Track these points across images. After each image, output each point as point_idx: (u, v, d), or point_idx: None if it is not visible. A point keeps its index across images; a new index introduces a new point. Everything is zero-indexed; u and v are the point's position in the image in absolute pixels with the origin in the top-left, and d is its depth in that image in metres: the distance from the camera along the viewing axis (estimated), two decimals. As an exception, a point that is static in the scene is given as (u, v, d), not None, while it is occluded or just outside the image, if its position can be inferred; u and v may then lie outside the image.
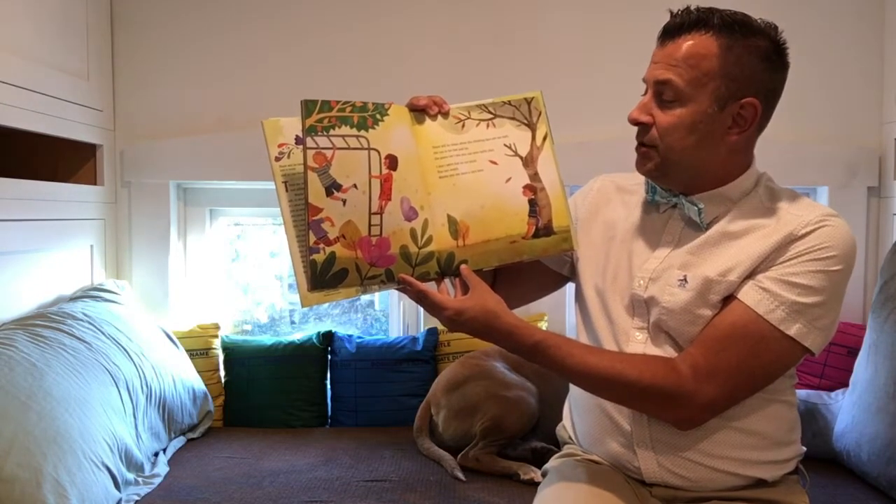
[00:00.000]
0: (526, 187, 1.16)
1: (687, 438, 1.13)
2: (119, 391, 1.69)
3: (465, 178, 1.14)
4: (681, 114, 1.10)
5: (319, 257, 1.04)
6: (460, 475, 1.70)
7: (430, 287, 1.11)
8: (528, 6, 2.21)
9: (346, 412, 2.11)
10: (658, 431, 1.15)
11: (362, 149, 1.07)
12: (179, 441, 1.92)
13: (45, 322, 1.68)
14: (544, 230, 1.16)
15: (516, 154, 1.17)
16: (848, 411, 1.74)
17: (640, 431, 1.16)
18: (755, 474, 1.14)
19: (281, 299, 2.56)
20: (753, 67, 1.09)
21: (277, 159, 1.08)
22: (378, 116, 1.10)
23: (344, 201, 1.05)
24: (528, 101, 1.18)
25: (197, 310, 2.35)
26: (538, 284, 1.34)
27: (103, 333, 1.78)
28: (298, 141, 1.10)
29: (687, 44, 1.09)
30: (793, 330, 1.06)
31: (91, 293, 1.98)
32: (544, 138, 1.18)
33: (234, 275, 2.51)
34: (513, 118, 1.18)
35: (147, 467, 1.69)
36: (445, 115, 1.15)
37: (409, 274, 1.09)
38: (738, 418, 1.12)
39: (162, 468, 1.72)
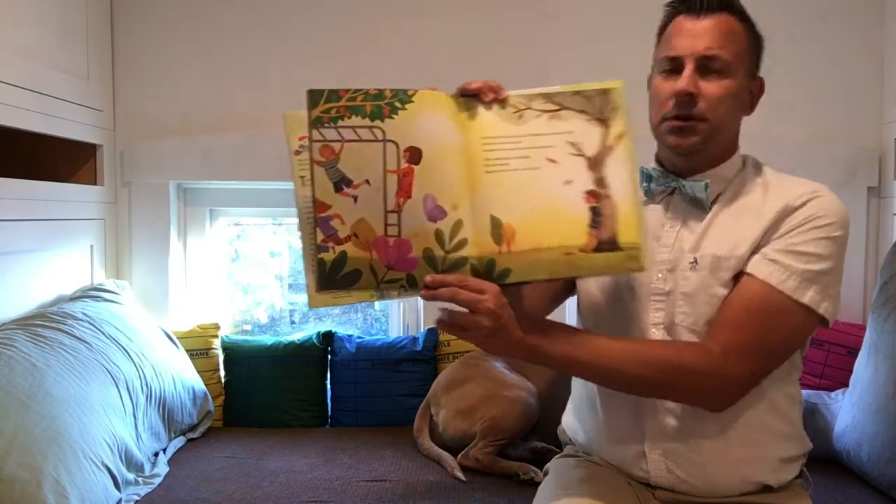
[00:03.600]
0: (589, 193, 1.01)
1: (699, 441, 1.13)
2: (119, 391, 1.69)
3: (517, 176, 1.01)
4: (728, 85, 1.11)
5: (328, 256, 0.97)
6: (460, 475, 1.70)
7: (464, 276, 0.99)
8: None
9: (346, 412, 2.11)
10: (670, 436, 1.14)
11: (376, 141, 0.98)
12: (179, 441, 1.92)
13: (45, 322, 1.68)
14: (608, 244, 1.01)
15: (581, 154, 1.02)
16: (848, 411, 1.74)
17: (653, 435, 1.15)
18: (763, 478, 1.14)
19: (281, 299, 2.56)
20: (761, 48, 1.17)
21: (297, 153, 1.02)
22: (397, 104, 0.98)
23: (355, 198, 0.97)
24: (605, 93, 1.02)
25: (197, 310, 2.35)
26: (550, 296, 1.30)
27: (103, 333, 1.78)
28: None
29: (723, 20, 1.12)
30: (806, 297, 1.07)
31: (91, 293, 1.98)
32: (619, 138, 1.02)
33: (234, 275, 2.51)
34: (582, 111, 1.02)
35: (147, 467, 1.69)
36: (502, 102, 1.02)
37: None
38: (748, 416, 1.13)
39: (162, 468, 1.72)
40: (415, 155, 0.98)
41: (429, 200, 0.98)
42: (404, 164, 0.98)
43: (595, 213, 1.01)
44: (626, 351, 1.06)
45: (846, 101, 2.17)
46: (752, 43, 1.15)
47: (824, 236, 1.08)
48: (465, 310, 0.97)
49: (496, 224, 1.00)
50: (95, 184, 2.17)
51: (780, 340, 1.09)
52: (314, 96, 0.98)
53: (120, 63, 2.25)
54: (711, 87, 1.11)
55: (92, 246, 2.13)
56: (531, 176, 1.01)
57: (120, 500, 1.51)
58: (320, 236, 0.97)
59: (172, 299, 2.27)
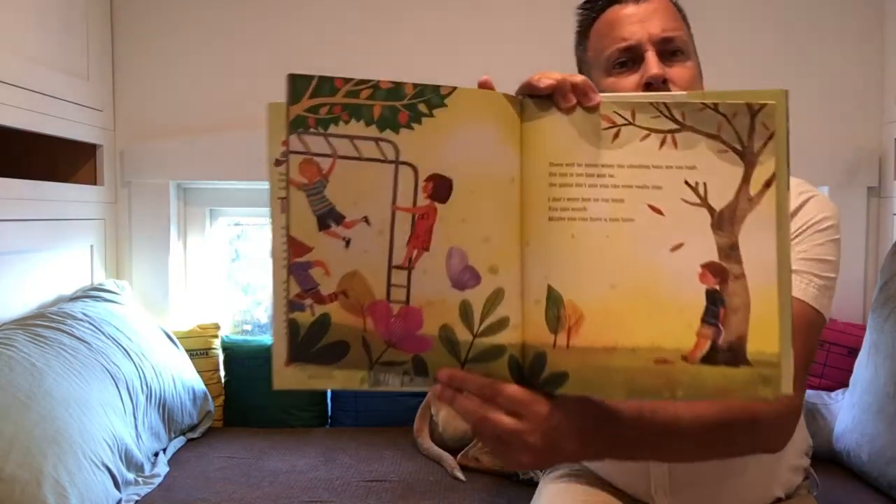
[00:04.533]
0: (708, 267, 0.67)
1: (712, 474, 1.06)
2: (119, 391, 1.69)
3: (598, 228, 0.67)
4: (692, 67, 1.01)
5: (304, 318, 0.69)
6: (460, 475, 1.70)
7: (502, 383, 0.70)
8: None
9: (346, 412, 2.11)
10: (681, 474, 1.08)
11: (383, 161, 0.68)
12: (179, 441, 1.92)
13: (45, 322, 1.68)
14: (728, 354, 0.67)
15: (704, 202, 0.67)
16: (848, 411, 1.74)
17: (661, 482, 1.09)
18: (776, 494, 1.11)
19: (281, 299, 2.56)
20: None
21: (278, 163, 0.71)
22: (422, 109, 0.68)
23: (347, 241, 0.69)
24: (754, 111, 0.66)
25: (197, 310, 2.35)
26: None
27: (103, 333, 1.78)
28: None
29: (664, 3, 1.02)
30: (822, 305, 1.00)
31: (91, 293, 1.98)
32: (768, 184, 0.66)
33: (234, 275, 2.51)
34: (715, 137, 0.67)
35: (147, 467, 1.69)
36: (590, 110, 0.69)
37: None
38: None
39: (162, 468, 1.72)
40: (440, 188, 0.68)
41: (455, 258, 0.69)
42: (424, 201, 0.68)
43: (715, 300, 0.66)
44: (688, 426, 0.81)
45: (846, 101, 2.17)
46: (689, 28, 1.05)
47: (828, 239, 1.02)
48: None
49: (554, 300, 0.68)
50: (95, 184, 2.17)
51: (813, 350, 1.01)
52: (297, 85, 0.70)
53: (120, 63, 2.24)
54: (679, 72, 0.98)
55: (92, 246, 2.13)
56: (621, 231, 0.67)
57: (120, 500, 1.51)
58: (295, 289, 0.69)
59: (172, 299, 2.27)
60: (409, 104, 0.68)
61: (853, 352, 1.84)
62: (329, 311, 0.69)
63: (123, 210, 2.26)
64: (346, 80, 0.69)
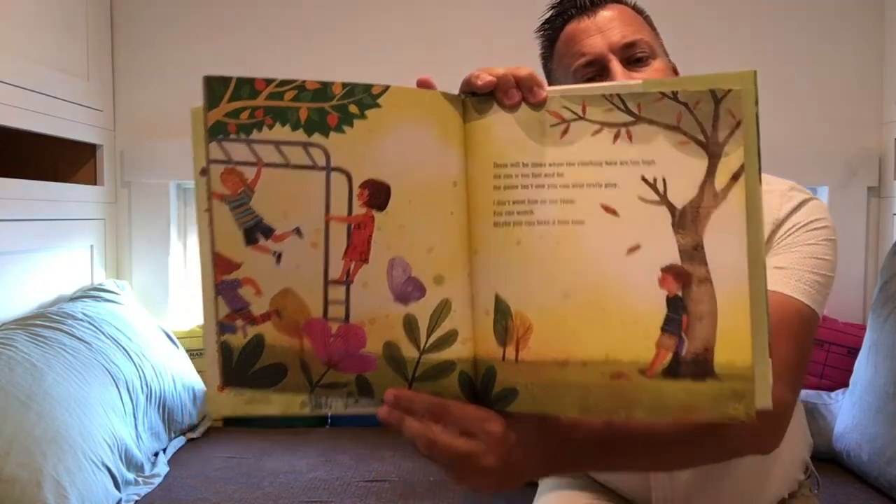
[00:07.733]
0: (669, 271, 0.61)
1: (714, 482, 1.04)
2: (119, 391, 1.69)
3: (546, 233, 0.63)
4: (661, 67, 0.98)
5: (236, 340, 0.66)
6: (460, 475, 1.70)
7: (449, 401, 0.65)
8: None
9: (346, 412, 2.11)
10: (682, 487, 1.05)
11: (313, 168, 0.63)
12: (179, 441, 1.92)
13: (45, 322, 1.68)
14: (691, 366, 0.61)
15: (663, 200, 0.61)
16: (848, 411, 1.74)
17: (663, 494, 1.07)
18: (780, 494, 1.09)
19: (281, 299, 2.56)
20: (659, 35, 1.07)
21: (203, 173, 0.65)
22: (354, 110, 0.63)
23: (278, 256, 0.64)
24: (718, 98, 0.60)
25: (197, 310, 2.35)
26: None
27: (103, 333, 1.78)
28: None
29: (619, 9, 1.00)
30: (816, 302, 0.97)
31: (91, 293, 1.98)
32: (735, 178, 0.60)
33: (234, 275, 2.51)
34: (675, 128, 0.61)
35: (147, 467, 1.69)
36: (536, 106, 0.64)
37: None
38: None
39: (162, 468, 1.72)
40: (377, 195, 0.64)
41: (397, 269, 0.64)
42: (360, 209, 0.64)
43: (676, 307, 0.61)
44: (667, 432, 0.75)
45: (846, 101, 2.17)
46: (653, 28, 1.02)
47: (823, 238, 1.00)
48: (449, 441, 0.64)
49: (502, 312, 0.63)
50: (95, 184, 2.17)
51: (810, 349, 0.96)
52: (214, 88, 0.64)
53: (120, 63, 2.25)
54: (648, 76, 0.95)
55: (92, 246, 2.13)
56: (570, 234, 0.62)
57: (120, 500, 1.51)
58: (224, 310, 0.67)
59: (172, 299, 2.27)
60: (339, 105, 0.63)
61: (853, 352, 1.84)
62: (262, 332, 0.66)
63: (123, 210, 2.26)
64: (268, 81, 0.63)
